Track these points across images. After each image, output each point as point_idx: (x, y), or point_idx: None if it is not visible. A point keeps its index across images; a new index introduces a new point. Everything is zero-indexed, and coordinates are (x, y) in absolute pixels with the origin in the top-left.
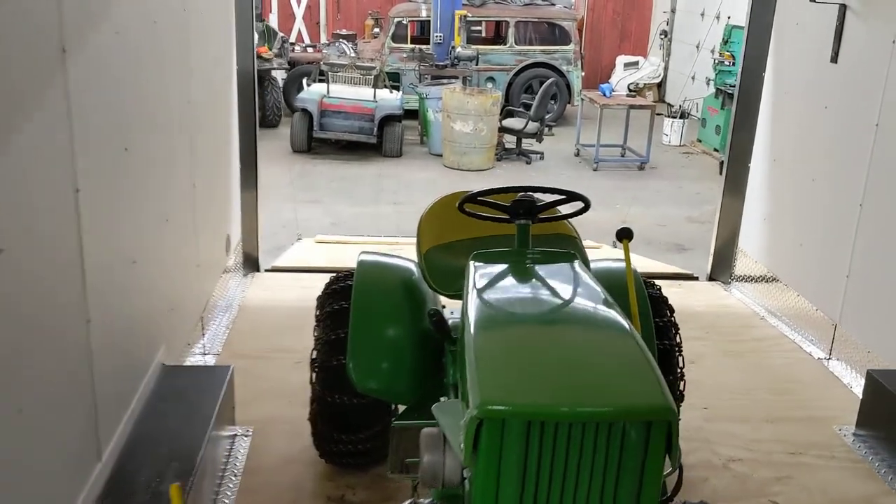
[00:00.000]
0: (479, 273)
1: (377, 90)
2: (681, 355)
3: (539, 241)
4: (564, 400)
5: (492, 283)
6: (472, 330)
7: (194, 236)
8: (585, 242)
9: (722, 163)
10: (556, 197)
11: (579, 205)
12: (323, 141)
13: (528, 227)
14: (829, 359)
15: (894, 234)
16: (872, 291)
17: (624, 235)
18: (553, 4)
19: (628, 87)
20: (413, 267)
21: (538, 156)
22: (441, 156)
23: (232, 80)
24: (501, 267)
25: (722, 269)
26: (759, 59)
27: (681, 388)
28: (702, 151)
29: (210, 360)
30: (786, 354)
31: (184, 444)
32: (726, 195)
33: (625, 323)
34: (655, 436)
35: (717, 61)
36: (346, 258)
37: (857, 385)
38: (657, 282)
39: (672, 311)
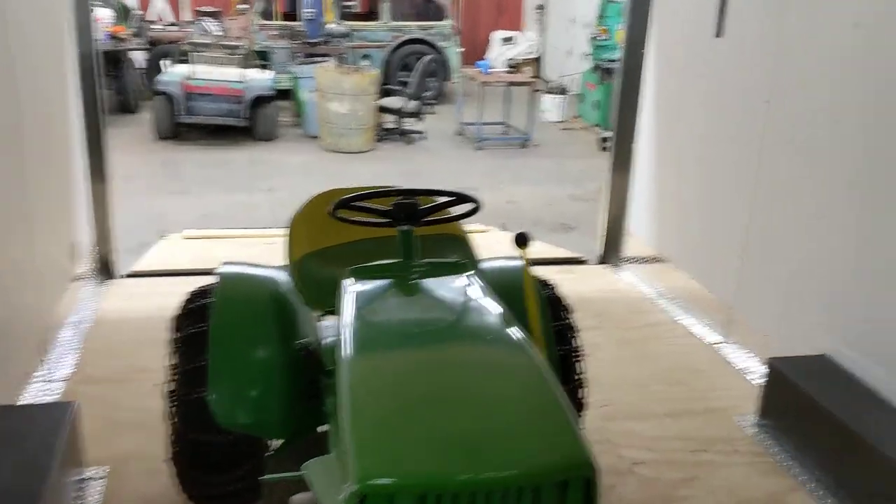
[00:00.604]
0: (354, 295)
1: (246, 70)
2: (581, 360)
3: (425, 242)
4: (464, 465)
5: (370, 308)
6: (346, 374)
7: (28, 243)
8: (472, 226)
9: (603, 139)
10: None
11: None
12: (191, 126)
13: (411, 234)
14: (724, 343)
15: (789, 213)
16: (767, 273)
17: (521, 242)
18: None
19: (506, 63)
20: (284, 277)
21: (420, 135)
22: (318, 137)
23: (69, 63)
24: (382, 286)
25: (611, 251)
26: (640, 35)
27: (581, 395)
28: (582, 127)
29: (56, 389)
30: (680, 340)
31: (17, 498)
32: (613, 175)
33: (531, 354)
34: (573, 497)
35: (593, 36)
36: (216, 256)
37: (753, 371)
38: (548, 270)
39: (569, 311)
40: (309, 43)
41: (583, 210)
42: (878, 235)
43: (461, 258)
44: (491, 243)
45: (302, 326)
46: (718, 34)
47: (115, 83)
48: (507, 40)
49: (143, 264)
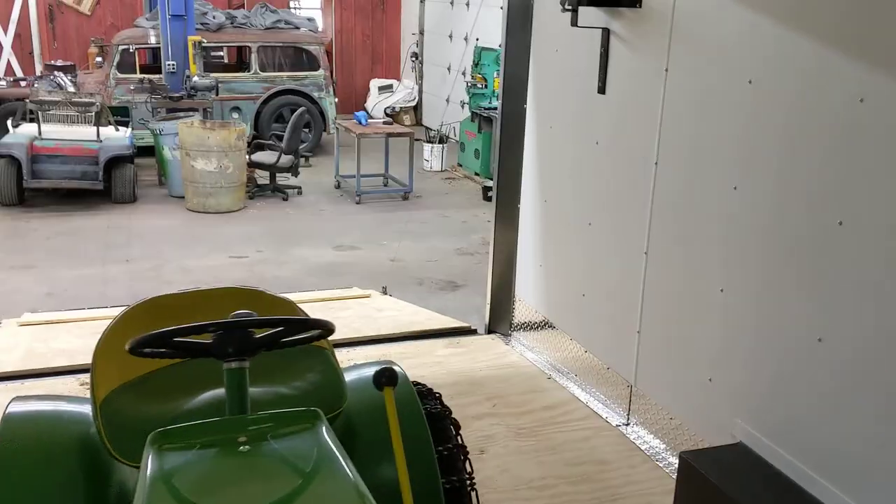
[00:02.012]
0: (154, 479)
1: (101, 128)
2: (473, 490)
3: (271, 355)
4: None
5: (175, 498)
6: None
7: None
8: (351, 292)
9: (486, 188)
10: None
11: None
12: (40, 191)
13: (243, 375)
14: (628, 425)
15: (685, 284)
16: (667, 348)
17: (386, 381)
18: (297, 28)
19: (385, 112)
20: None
21: (296, 190)
22: (183, 198)
23: None
24: (194, 461)
25: (500, 319)
26: (520, 90)
27: None
28: (464, 176)
29: None
30: (583, 424)
31: None
32: (498, 238)
33: None
34: None
35: (469, 84)
36: (55, 347)
37: (664, 458)
38: (434, 344)
39: (458, 427)
40: (171, 97)
41: (470, 265)
42: (782, 313)
43: (319, 377)
44: (370, 312)
45: (113, 489)
46: (601, 90)
47: None
48: (385, 88)
49: None
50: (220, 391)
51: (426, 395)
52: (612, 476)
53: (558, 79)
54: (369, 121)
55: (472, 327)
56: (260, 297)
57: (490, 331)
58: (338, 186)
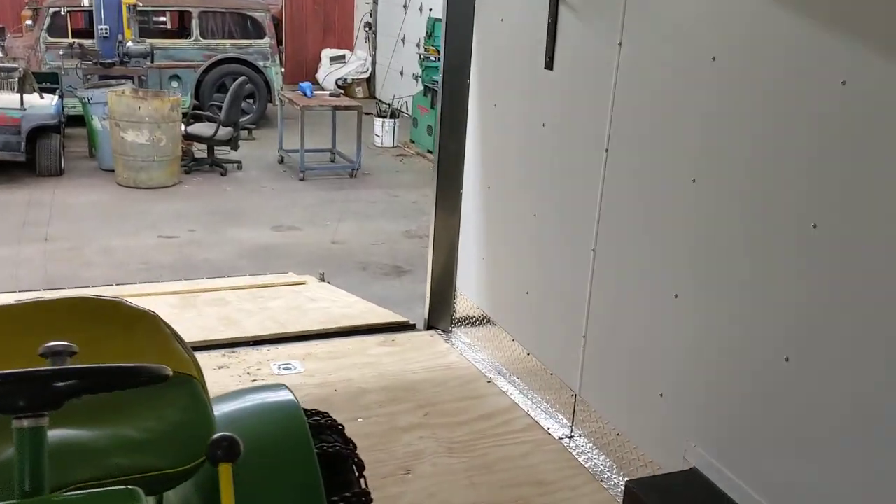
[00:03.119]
0: None
1: (24, 95)
2: None
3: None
4: None
5: None
6: None
7: None
8: (287, 277)
9: None
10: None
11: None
12: None
13: (40, 436)
14: (572, 437)
15: (634, 288)
16: (616, 357)
17: (223, 455)
18: None
19: (336, 83)
20: None
21: (235, 165)
22: (114, 172)
23: None
24: None
25: (440, 314)
26: (462, 63)
27: None
28: (416, 153)
29: None
30: (521, 436)
31: None
32: (439, 225)
33: None
34: None
35: (422, 56)
36: None
37: (609, 479)
38: (368, 341)
39: (361, 467)
40: (103, 64)
41: (418, 248)
42: (745, 326)
43: (179, 414)
44: (301, 302)
45: None
46: (549, 66)
47: None
48: (337, 59)
49: None
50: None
51: (325, 428)
52: (551, 500)
53: (503, 51)
54: (316, 92)
55: (411, 322)
56: (117, 310)
57: (429, 326)
58: (281, 161)
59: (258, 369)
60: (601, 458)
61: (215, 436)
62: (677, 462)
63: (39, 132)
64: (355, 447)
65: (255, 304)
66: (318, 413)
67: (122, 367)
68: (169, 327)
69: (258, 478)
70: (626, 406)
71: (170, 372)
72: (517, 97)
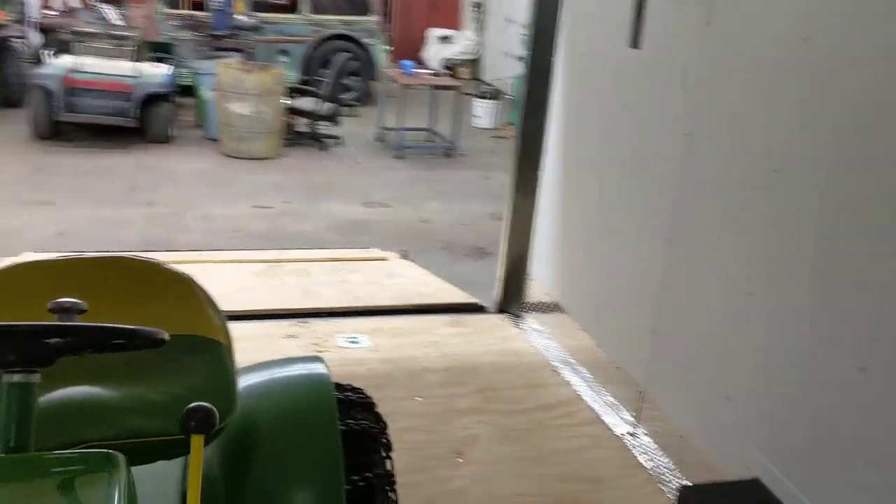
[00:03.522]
0: None
1: (139, 64)
2: None
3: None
4: None
5: None
6: None
7: None
8: (369, 253)
9: None
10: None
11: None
12: (76, 125)
13: (29, 392)
14: (635, 435)
15: (709, 281)
16: (682, 356)
17: (196, 427)
18: None
19: (443, 63)
20: None
21: (335, 141)
22: (218, 141)
23: None
24: None
25: (512, 297)
26: (548, 39)
27: None
28: (514, 135)
29: None
30: (581, 430)
31: None
32: (516, 206)
33: None
34: None
35: (525, 36)
36: None
37: (669, 481)
38: (436, 321)
39: (389, 448)
40: (214, 36)
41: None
42: (824, 330)
43: (201, 380)
44: (379, 278)
45: None
46: (634, 44)
47: None
48: (444, 39)
49: None
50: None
51: (355, 405)
52: (605, 499)
53: (590, 26)
54: (416, 71)
55: (482, 304)
56: (152, 271)
57: (500, 310)
58: (380, 139)
59: (326, 340)
60: (663, 459)
61: (191, 405)
62: (740, 470)
63: (151, 100)
64: (385, 427)
65: (335, 277)
66: (352, 389)
67: (115, 328)
68: (203, 291)
69: (278, 450)
70: (691, 407)
71: (166, 336)
72: (600, 76)
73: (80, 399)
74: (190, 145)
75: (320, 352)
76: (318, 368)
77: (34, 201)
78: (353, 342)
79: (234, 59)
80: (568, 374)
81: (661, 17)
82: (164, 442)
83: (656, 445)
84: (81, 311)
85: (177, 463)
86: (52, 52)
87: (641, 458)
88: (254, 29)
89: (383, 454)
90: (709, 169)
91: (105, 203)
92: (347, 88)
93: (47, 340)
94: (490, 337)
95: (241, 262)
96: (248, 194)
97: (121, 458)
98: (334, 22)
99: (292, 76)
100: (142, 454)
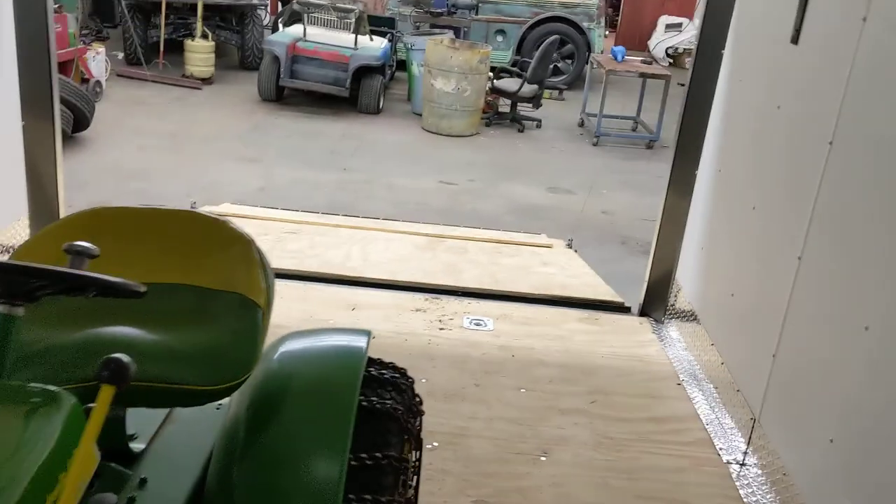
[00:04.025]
0: None
1: (360, 37)
2: None
3: (179, 294)
4: None
5: None
6: None
7: None
8: (535, 239)
9: None
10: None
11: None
12: (298, 91)
13: (10, 325)
14: (744, 464)
15: (835, 309)
16: (800, 385)
17: (109, 377)
18: None
19: (666, 52)
20: None
21: (535, 123)
22: (422, 116)
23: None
24: None
25: (656, 301)
26: (719, 32)
27: None
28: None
29: None
30: (685, 450)
31: None
32: (669, 206)
33: None
34: None
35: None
36: None
37: None
38: (572, 315)
39: (406, 431)
40: (432, 13)
41: None
42: None
43: (229, 336)
44: (532, 265)
45: None
46: (794, 39)
47: (238, 38)
48: (673, 27)
49: None
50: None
51: (385, 383)
52: None
53: (757, 18)
54: (628, 58)
55: (626, 305)
56: (219, 228)
57: (643, 313)
58: (581, 125)
59: (451, 319)
60: (767, 496)
61: (108, 356)
62: None
63: (364, 72)
64: (419, 412)
65: (489, 258)
66: (394, 368)
67: (91, 278)
68: (260, 254)
69: (294, 414)
70: (797, 444)
71: (143, 289)
72: (760, 73)
73: (107, 339)
74: (396, 118)
75: (442, 329)
76: (357, 342)
77: (245, 158)
78: (477, 324)
79: (445, 36)
80: (693, 391)
81: (824, 9)
82: (181, 390)
83: (764, 480)
84: (93, 256)
85: (220, 413)
86: (285, 21)
87: (744, 492)
88: (472, 8)
89: (402, 437)
90: (850, 183)
91: (306, 165)
92: (560, 72)
93: (31, 280)
94: (621, 339)
95: (408, 233)
96: (437, 169)
97: (69, 399)
98: (554, 4)
99: (506, 56)
100: (159, 399)
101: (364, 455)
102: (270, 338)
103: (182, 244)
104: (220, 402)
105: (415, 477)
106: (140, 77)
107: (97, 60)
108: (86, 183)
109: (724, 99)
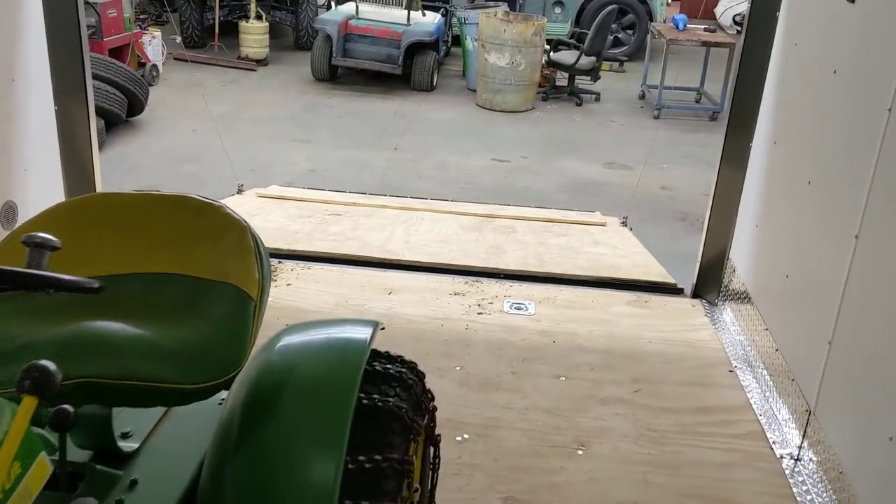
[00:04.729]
0: None
1: (414, 13)
2: None
3: (170, 284)
4: None
5: None
6: None
7: None
8: (592, 216)
9: None
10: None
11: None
12: (351, 70)
13: None
14: (799, 459)
15: (893, 295)
16: (857, 376)
17: (31, 387)
18: None
19: (734, 19)
20: None
21: (593, 96)
22: (475, 92)
23: None
24: None
25: (710, 282)
26: None
27: None
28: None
29: None
30: (735, 444)
31: None
32: (722, 181)
33: None
34: None
35: None
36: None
37: None
38: (621, 297)
39: (411, 430)
40: None
41: None
42: None
43: (215, 329)
44: (582, 245)
45: None
46: None
47: (292, 18)
48: None
49: None
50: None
51: (390, 378)
52: None
53: None
54: (691, 27)
55: (678, 286)
56: (213, 213)
57: (695, 294)
58: (642, 97)
59: (490, 303)
60: (823, 495)
61: (31, 363)
62: None
63: (417, 48)
64: (428, 410)
65: (537, 238)
66: (401, 362)
67: (38, 276)
68: (256, 241)
69: (289, 412)
70: (855, 440)
71: (96, 285)
72: (817, 35)
73: (93, 334)
74: (449, 94)
75: (480, 314)
76: (361, 334)
77: (296, 139)
78: (517, 308)
79: (498, 9)
80: (746, 378)
81: None
82: (165, 388)
83: (818, 478)
84: (54, 248)
85: (220, 409)
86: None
87: (797, 490)
88: None
89: (409, 438)
90: None
91: (356, 145)
92: (621, 43)
93: None
94: (671, 323)
95: (455, 213)
96: (489, 146)
97: (5, 407)
98: None
99: (564, 28)
100: (141, 398)
101: (363, 457)
102: (293, 320)
103: (174, 231)
104: (221, 397)
105: (433, 475)
106: (196, 60)
107: (153, 44)
108: (138, 167)
109: (779, 65)
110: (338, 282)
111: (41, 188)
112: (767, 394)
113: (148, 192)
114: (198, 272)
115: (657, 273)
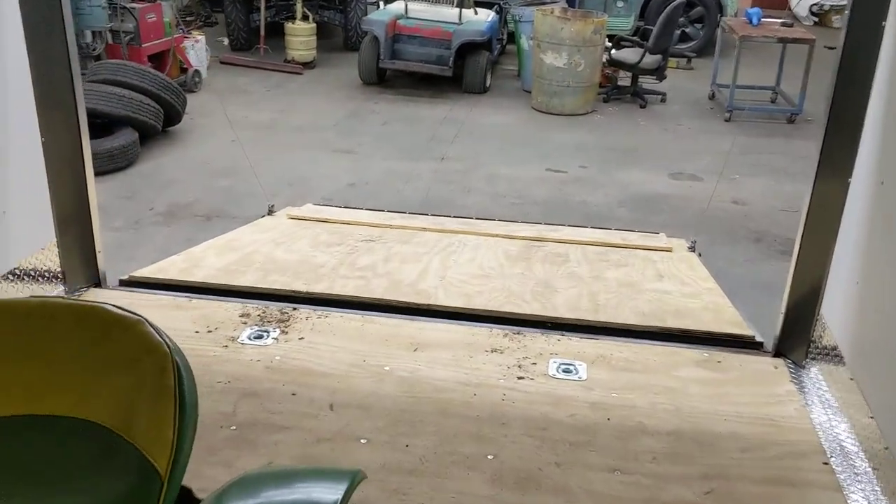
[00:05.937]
0: None
1: (465, 11)
2: None
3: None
4: None
5: None
6: None
7: None
8: (657, 239)
9: None
10: None
11: None
12: (400, 72)
13: None
14: None
15: None
16: None
17: None
18: None
19: (811, 10)
20: None
21: (659, 97)
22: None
23: None
24: None
25: (795, 338)
26: None
27: None
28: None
29: None
30: None
31: None
32: (811, 222)
33: None
34: None
35: None
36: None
37: None
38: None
39: None
40: None
41: None
42: None
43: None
44: (643, 278)
45: None
46: None
47: (341, 18)
48: None
49: (169, 263)
50: None
51: None
52: None
53: None
54: (766, 21)
55: (757, 339)
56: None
57: (778, 352)
58: (712, 97)
59: (534, 363)
60: None
61: None
62: None
63: (469, 48)
64: None
65: (592, 270)
66: None
67: None
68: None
69: None
70: None
71: None
72: None
73: None
74: (503, 97)
75: (521, 378)
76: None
77: (339, 149)
78: (566, 371)
79: (556, 6)
80: (843, 474)
81: None
82: None
83: None
84: None
85: None
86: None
87: None
88: None
89: None
90: None
91: (401, 155)
92: (689, 38)
93: None
94: (749, 392)
95: (501, 236)
96: (544, 155)
97: None
98: None
99: (627, 23)
100: None
101: None
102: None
103: (77, 356)
104: None
105: None
106: (240, 63)
107: (196, 49)
108: (171, 182)
109: (888, 85)
110: (358, 334)
111: (31, 229)
112: (871, 497)
113: (48, 301)
114: (100, 417)
115: (731, 320)
